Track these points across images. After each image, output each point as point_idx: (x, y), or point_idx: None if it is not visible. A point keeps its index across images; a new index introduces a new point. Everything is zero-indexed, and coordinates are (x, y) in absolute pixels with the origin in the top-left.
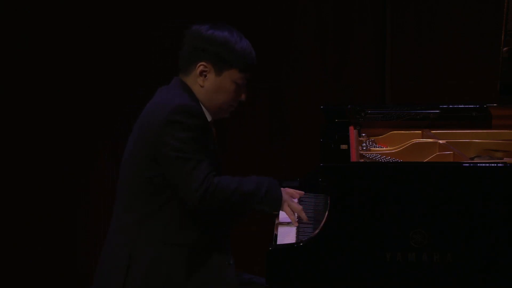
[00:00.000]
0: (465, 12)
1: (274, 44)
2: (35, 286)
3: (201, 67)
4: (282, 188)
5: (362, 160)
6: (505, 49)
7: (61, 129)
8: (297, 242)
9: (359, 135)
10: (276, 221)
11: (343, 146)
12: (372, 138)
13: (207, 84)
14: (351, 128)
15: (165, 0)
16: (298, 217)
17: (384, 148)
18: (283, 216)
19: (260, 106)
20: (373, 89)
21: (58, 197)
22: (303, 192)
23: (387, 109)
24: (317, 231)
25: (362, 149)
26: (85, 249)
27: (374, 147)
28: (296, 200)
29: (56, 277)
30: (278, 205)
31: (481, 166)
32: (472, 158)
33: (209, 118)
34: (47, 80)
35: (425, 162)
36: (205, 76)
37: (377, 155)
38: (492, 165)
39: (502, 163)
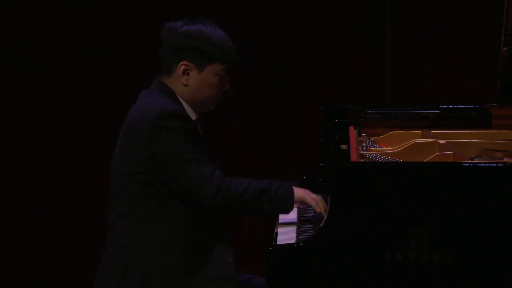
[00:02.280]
0: (465, 12)
1: (274, 45)
2: (35, 286)
3: (183, 67)
4: (295, 187)
5: (362, 160)
6: (505, 49)
7: (61, 129)
8: (297, 242)
9: (359, 135)
10: (276, 221)
11: (343, 146)
12: (372, 138)
13: (190, 82)
14: (351, 128)
15: (165, 0)
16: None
17: (384, 148)
18: (283, 216)
19: (260, 106)
20: (373, 89)
21: (58, 197)
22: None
23: (387, 109)
24: (317, 231)
25: (362, 149)
26: (85, 249)
27: (374, 147)
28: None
29: (57, 276)
30: (290, 201)
31: (481, 166)
32: (472, 158)
33: (193, 117)
34: (47, 79)
35: (425, 162)
36: (188, 74)
37: (377, 155)
38: (492, 165)
39: (502, 163)
